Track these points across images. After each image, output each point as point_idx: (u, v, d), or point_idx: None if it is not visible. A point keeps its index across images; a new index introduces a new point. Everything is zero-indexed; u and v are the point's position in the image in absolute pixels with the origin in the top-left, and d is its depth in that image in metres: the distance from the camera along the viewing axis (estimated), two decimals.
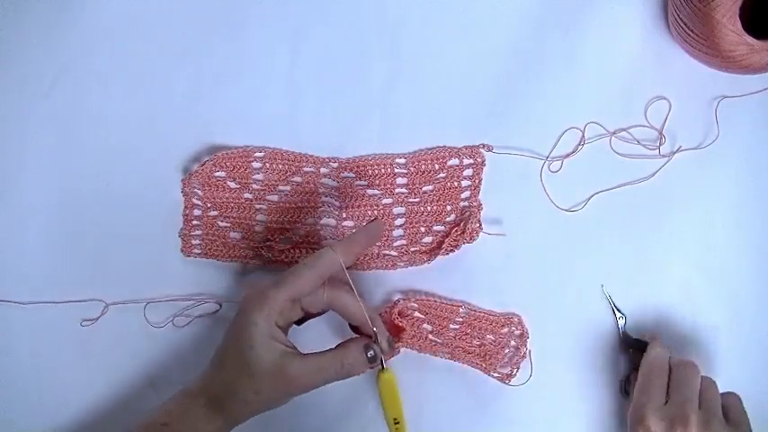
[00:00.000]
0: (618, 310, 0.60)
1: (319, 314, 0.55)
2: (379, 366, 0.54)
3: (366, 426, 0.61)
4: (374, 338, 0.54)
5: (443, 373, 0.60)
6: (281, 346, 0.51)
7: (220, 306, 0.61)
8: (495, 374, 0.60)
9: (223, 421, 0.52)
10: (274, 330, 0.51)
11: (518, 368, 0.60)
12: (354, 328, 0.56)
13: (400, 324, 0.59)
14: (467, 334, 0.60)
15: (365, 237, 0.55)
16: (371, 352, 0.53)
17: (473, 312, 0.61)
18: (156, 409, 0.53)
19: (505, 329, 0.60)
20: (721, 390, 0.55)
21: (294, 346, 0.53)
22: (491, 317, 0.60)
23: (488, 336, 0.60)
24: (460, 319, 0.61)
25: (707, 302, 0.61)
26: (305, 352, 0.53)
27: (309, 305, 0.54)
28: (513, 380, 0.60)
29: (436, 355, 0.61)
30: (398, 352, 0.59)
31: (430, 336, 0.60)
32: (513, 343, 0.60)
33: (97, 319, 0.61)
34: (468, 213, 0.61)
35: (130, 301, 0.61)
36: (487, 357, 0.60)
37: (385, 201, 0.62)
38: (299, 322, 0.56)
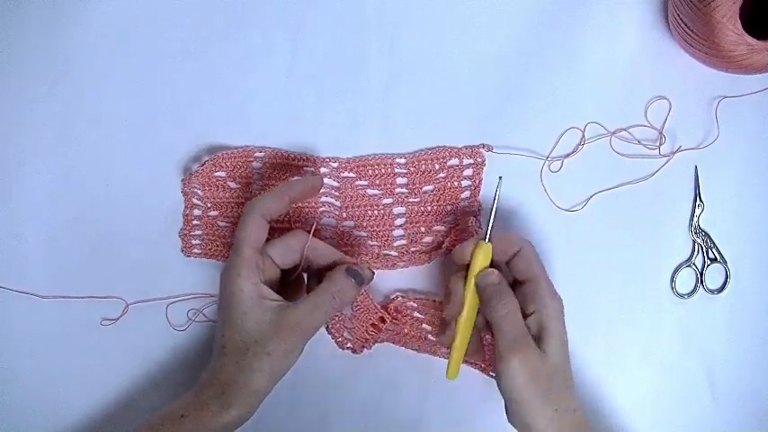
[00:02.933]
0: None
1: (296, 272, 0.56)
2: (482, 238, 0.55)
3: (366, 425, 0.61)
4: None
5: (443, 372, 0.60)
6: (272, 303, 0.52)
7: None
8: (494, 374, 0.60)
9: (245, 402, 0.51)
10: (260, 288, 0.52)
11: None
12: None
13: (397, 323, 0.59)
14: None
15: (299, 187, 0.56)
16: (353, 272, 0.54)
17: None
18: (174, 402, 0.52)
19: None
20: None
21: (283, 299, 0.53)
22: None
23: (488, 336, 0.60)
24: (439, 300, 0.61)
25: (707, 301, 0.61)
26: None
27: (281, 260, 0.54)
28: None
29: (436, 355, 0.61)
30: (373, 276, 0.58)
31: (429, 336, 0.60)
32: None
33: (118, 318, 0.61)
34: (468, 213, 0.61)
35: (150, 299, 0.61)
36: (487, 358, 0.60)
37: (385, 201, 0.62)
38: (291, 291, 0.57)
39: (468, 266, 0.55)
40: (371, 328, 0.59)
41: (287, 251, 0.55)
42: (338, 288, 0.54)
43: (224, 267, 0.53)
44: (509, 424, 0.53)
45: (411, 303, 0.60)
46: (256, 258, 0.53)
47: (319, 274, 0.56)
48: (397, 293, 0.61)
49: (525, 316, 0.52)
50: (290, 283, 0.57)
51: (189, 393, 0.52)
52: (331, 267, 0.56)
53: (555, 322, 0.52)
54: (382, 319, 0.59)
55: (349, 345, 0.59)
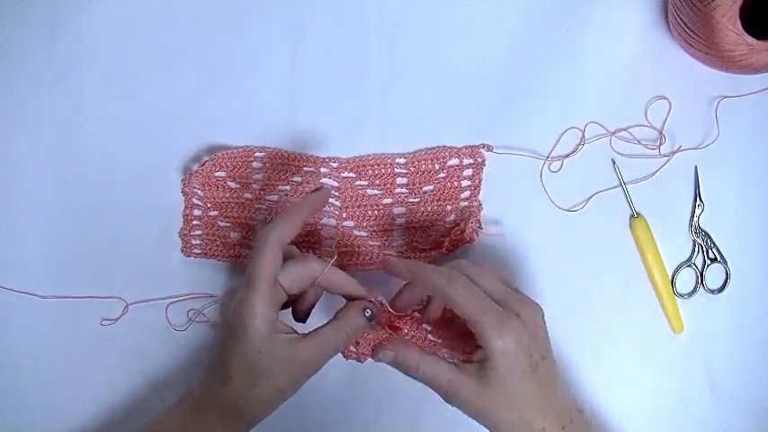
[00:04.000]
0: None
1: (300, 299, 0.55)
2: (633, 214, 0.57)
3: (367, 425, 0.61)
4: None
5: (400, 379, 0.60)
6: (285, 337, 0.51)
7: None
8: None
9: (243, 425, 0.51)
10: (274, 325, 0.51)
11: None
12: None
13: (397, 325, 0.59)
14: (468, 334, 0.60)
15: (308, 208, 0.54)
16: (368, 311, 0.53)
17: None
18: (163, 420, 0.52)
19: None
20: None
21: (293, 329, 0.52)
22: None
23: None
24: (460, 319, 0.60)
25: (707, 301, 0.61)
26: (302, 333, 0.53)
27: (289, 286, 0.52)
28: None
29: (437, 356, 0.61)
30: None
31: (429, 336, 0.60)
32: None
33: (118, 318, 0.61)
34: (468, 213, 0.61)
35: (150, 299, 0.61)
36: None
37: (385, 201, 0.62)
38: (300, 316, 0.55)
39: None
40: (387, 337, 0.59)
41: (297, 281, 0.53)
42: (352, 327, 0.52)
43: (238, 300, 0.51)
44: None
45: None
46: (272, 293, 0.51)
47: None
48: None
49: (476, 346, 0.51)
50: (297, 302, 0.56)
51: (180, 413, 0.52)
52: (343, 295, 0.55)
53: (496, 358, 0.48)
54: (396, 327, 0.59)
55: (354, 355, 0.58)
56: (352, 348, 0.58)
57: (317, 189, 0.56)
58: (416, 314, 0.60)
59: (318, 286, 0.54)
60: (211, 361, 0.53)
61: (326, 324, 0.53)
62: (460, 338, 0.60)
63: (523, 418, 0.49)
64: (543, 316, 0.52)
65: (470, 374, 0.50)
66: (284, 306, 0.54)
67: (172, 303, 0.61)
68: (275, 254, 0.51)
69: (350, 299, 0.55)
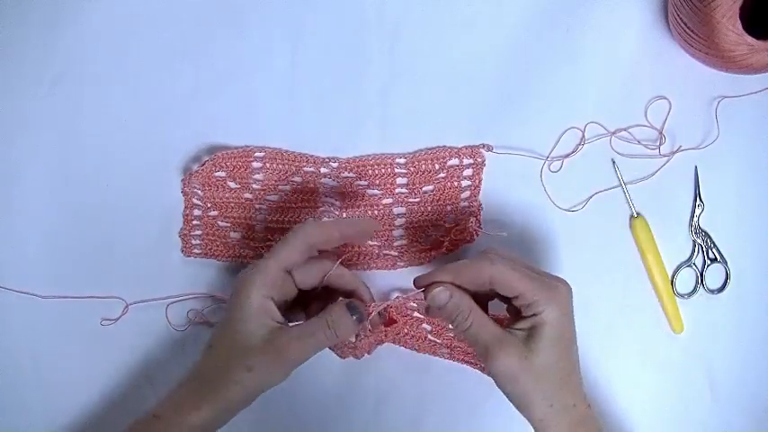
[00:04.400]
0: None
1: (311, 294, 0.55)
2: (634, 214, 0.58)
3: (366, 425, 0.61)
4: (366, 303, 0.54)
5: (443, 372, 0.60)
6: (272, 322, 0.51)
7: None
8: None
9: (217, 407, 0.50)
10: (267, 304, 0.51)
11: None
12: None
13: (394, 317, 0.59)
14: (433, 310, 0.60)
15: (353, 228, 0.54)
16: (356, 311, 0.52)
17: None
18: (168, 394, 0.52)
19: None
20: None
21: (286, 323, 0.52)
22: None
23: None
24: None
25: (707, 301, 0.61)
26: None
27: (301, 280, 0.53)
28: None
29: (436, 355, 0.61)
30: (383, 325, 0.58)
31: (429, 336, 0.60)
32: None
33: (118, 318, 0.61)
34: (467, 213, 0.61)
35: (150, 299, 0.61)
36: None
37: (385, 201, 0.62)
38: (304, 308, 0.55)
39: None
40: (382, 334, 0.59)
41: (309, 274, 0.53)
42: (333, 319, 0.51)
43: (245, 270, 0.52)
44: (509, 422, 0.53)
45: (411, 303, 0.60)
46: (279, 276, 0.51)
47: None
48: (398, 294, 0.61)
49: (521, 318, 0.50)
50: (308, 305, 0.56)
51: (165, 394, 0.52)
52: (352, 295, 0.55)
53: (548, 325, 0.49)
54: (391, 321, 0.59)
55: (350, 353, 0.58)
56: (350, 346, 0.58)
57: (369, 219, 0.56)
58: (417, 314, 0.60)
59: (329, 284, 0.54)
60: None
61: (311, 319, 0.52)
62: (460, 340, 0.60)
63: (558, 390, 0.49)
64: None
65: (517, 339, 0.49)
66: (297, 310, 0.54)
67: (172, 303, 0.61)
68: (296, 247, 0.52)
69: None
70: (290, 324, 0.52)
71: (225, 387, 0.50)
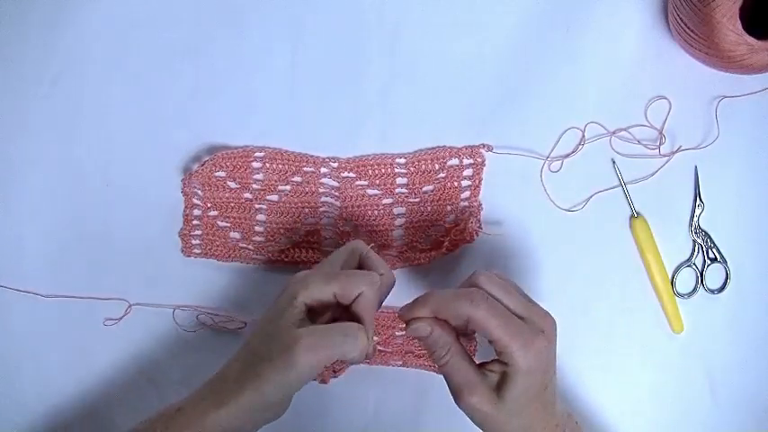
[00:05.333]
0: None
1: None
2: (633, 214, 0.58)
3: (367, 425, 0.61)
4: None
5: (399, 381, 0.61)
6: (304, 320, 0.50)
7: (245, 324, 0.61)
8: None
9: (234, 409, 0.48)
10: (304, 309, 0.50)
11: None
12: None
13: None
14: (414, 338, 0.60)
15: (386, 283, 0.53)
16: (374, 339, 0.52)
17: None
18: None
19: None
20: None
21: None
22: None
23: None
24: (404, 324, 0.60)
25: (707, 301, 0.61)
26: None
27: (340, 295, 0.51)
28: None
29: (388, 365, 0.61)
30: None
31: (379, 347, 0.60)
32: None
33: (120, 318, 0.61)
34: (468, 213, 0.61)
35: (155, 304, 0.61)
36: None
37: (385, 201, 0.62)
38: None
39: None
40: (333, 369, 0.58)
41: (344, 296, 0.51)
42: (354, 334, 0.49)
43: (301, 275, 0.51)
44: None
45: (387, 319, 0.60)
46: (324, 294, 0.50)
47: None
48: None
49: (496, 358, 0.49)
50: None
51: (198, 386, 0.51)
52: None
53: (518, 374, 0.48)
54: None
55: (319, 378, 0.57)
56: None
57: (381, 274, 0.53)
58: (398, 333, 0.60)
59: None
60: (249, 334, 0.52)
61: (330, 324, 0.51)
62: None
63: (525, 426, 0.49)
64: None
65: (490, 382, 0.49)
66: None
67: (178, 308, 0.61)
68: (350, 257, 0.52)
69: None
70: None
71: (251, 383, 0.48)
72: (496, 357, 0.49)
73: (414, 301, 0.50)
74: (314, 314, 0.51)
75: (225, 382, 0.50)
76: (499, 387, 0.49)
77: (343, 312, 0.51)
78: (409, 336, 0.51)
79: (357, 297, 0.50)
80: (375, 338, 0.53)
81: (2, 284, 0.61)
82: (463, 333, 0.52)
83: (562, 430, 0.51)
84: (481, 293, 0.49)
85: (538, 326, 0.49)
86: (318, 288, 0.50)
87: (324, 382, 0.59)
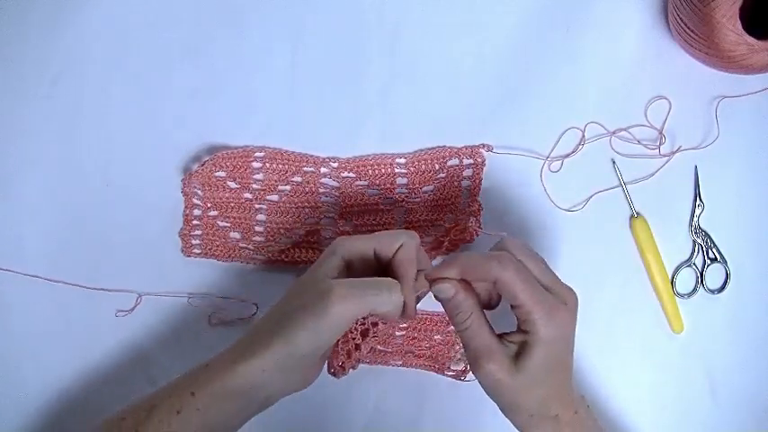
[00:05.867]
0: None
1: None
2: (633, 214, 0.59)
3: (367, 425, 0.61)
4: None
5: (399, 381, 0.61)
6: (340, 273, 0.50)
7: (257, 308, 0.61)
8: (449, 373, 0.60)
9: (269, 352, 0.48)
10: (342, 264, 0.50)
11: None
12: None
13: (358, 343, 0.57)
14: (414, 338, 0.60)
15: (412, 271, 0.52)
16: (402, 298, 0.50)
17: (416, 315, 0.60)
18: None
19: (451, 327, 0.60)
20: None
21: None
22: (435, 317, 0.60)
23: (436, 336, 0.61)
24: (405, 325, 0.60)
25: (707, 301, 0.61)
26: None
27: (379, 249, 0.52)
28: (467, 375, 0.60)
29: (388, 365, 0.61)
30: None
31: (379, 346, 0.60)
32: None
33: (132, 309, 0.61)
34: (467, 213, 0.61)
35: (165, 293, 0.61)
36: (439, 358, 0.60)
37: (385, 201, 0.62)
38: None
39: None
40: (348, 355, 0.57)
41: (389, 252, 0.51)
42: (391, 287, 0.49)
43: (343, 239, 0.52)
44: (509, 425, 0.53)
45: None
46: (363, 257, 0.51)
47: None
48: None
49: (517, 327, 0.49)
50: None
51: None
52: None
53: (540, 344, 0.48)
54: (357, 347, 0.56)
55: (331, 369, 0.57)
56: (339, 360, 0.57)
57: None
58: (398, 333, 0.60)
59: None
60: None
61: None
62: (432, 355, 0.60)
63: (541, 403, 0.49)
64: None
65: (507, 351, 0.49)
66: None
67: (190, 298, 0.61)
68: (393, 245, 0.51)
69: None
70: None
71: (286, 330, 0.48)
72: (516, 330, 0.49)
73: (441, 263, 0.50)
74: (353, 273, 0.51)
75: (256, 334, 0.50)
76: (518, 356, 0.48)
77: (382, 274, 0.51)
78: (437, 296, 0.50)
79: (397, 250, 0.50)
80: (419, 291, 0.51)
81: (2, 281, 0.61)
82: (486, 306, 0.51)
83: (575, 411, 0.50)
84: (509, 257, 0.49)
85: (562, 297, 0.49)
86: (359, 242, 0.51)
87: (335, 374, 0.57)
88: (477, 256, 0.49)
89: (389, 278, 0.50)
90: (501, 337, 0.49)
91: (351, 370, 0.57)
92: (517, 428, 0.50)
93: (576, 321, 0.50)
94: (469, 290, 0.50)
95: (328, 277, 0.49)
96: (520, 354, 0.48)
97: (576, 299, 0.50)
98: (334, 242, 0.52)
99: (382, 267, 0.51)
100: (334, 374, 0.57)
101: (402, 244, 0.51)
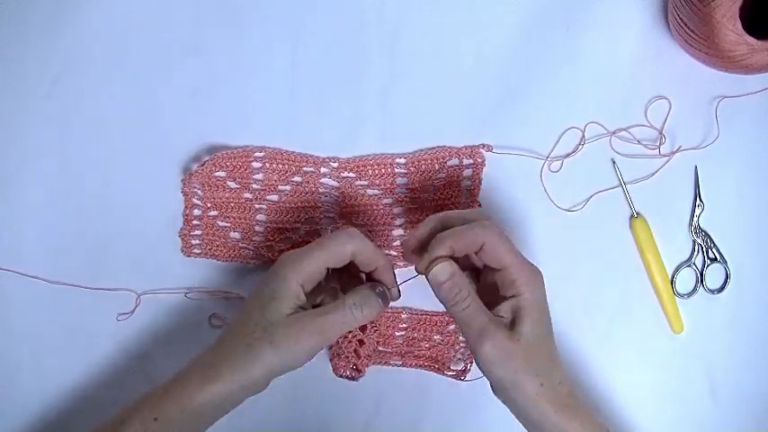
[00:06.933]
0: None
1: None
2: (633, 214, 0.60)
3: (367, 425, 0.61)
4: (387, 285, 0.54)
5: (399, 381, 0.61)
6: (299, 302, 0.51)
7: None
8: (450, 373, 0.60)
9: (233, 382, 0.49)
10: (299, 290, 0.51)
11: (471, 362, 0.60)
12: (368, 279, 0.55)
13: (363, 339, 0.58)
14: (414, 338, 0.61)
15: (386, 264, 0.54)
16: (379, 289, 0.52)
17: (416, 315, 0.61)
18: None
19: (451, 327, 0.60)
20: None
21: (310, 307, 0.52)
22: (434, 317, 0.60)
23: (435, 336, 0.61)
24: (405, 325, 0.61)
25: (707, 301, 0.61)
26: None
27: (333, 263, 0.53)
28: (468, 375, 0.60)
29: (388, 365, 0.61)
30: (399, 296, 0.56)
31: (379, 347, 0.60)
32: (461, 339, 0.60)
33: (133, 311, 0.61)
34: None
35: (163, 290, 0.61)
36: (439, 358, 0.60)
37: (385, 201, 0.62)
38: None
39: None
40: (357, 354, 0.58)
41: (340, 260, 0.52)
42: (358, 298, 0.51)
43: (289, 254, 0.52)
44: (508, 424, 0.53)
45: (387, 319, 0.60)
46: (318, 271, 0.51)
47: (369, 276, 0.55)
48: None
49: (501, 298, 0.51)
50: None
51: (186, 364, 0.52)
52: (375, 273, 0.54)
53: (530, 307, 0.50)
54: (361, 342, 0.57)
55: (345, 372, 0.58)
56: (350, 363, 0.57)
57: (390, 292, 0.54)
58: (398, 333, 0.60)
59: (354, 259, 0.53)
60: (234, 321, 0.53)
61: (336, 301, 0.52)
62: (432, 356, 0.60)
63: (546, 371, 0.50)
64: None
65: (502, 323, 0.50)
66: None
67: (179, 298, 0.61)
68: (342, 253, 0.52)
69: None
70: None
71: (243, 360, 0.49)
72: (501, 301, 0.50)
73: (431, 246, 0.50)
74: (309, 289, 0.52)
75: (220, 357, 0.50)
76: (512, 326, 0.50)
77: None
78: (435, 280, 0.50)
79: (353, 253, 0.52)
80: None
81: (2, 281, 0.61)
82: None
83: (568, 390, 0.51)
84: (491, 222, 0.51)
85: (533, 264, 0.51)
86: (309, 266, 0.51)
87: (353, 378, 0.58)
88: (460, 228, 0.50)
89: (342, 304, 0.51)
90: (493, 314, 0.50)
91: (365, 368, 0.57)
92: (525, 405, 0.50)
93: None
94: (461, 271, 0.51)
95: (285, 309, 0.50)
96: (514, 321, 0.50)
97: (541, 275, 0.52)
98: (281, 262, 0.52)
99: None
100: (351, 378, 0.57)
101: (352, 251, 0.52)
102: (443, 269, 0.50)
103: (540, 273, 0.51)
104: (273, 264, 0.52)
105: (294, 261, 0.51)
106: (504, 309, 0.50)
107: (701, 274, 0.61)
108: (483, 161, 0.61)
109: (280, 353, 0.49)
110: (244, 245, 0.62)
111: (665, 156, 0.61)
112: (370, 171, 0.62)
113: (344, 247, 0.52)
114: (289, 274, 0.51)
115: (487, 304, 0.50)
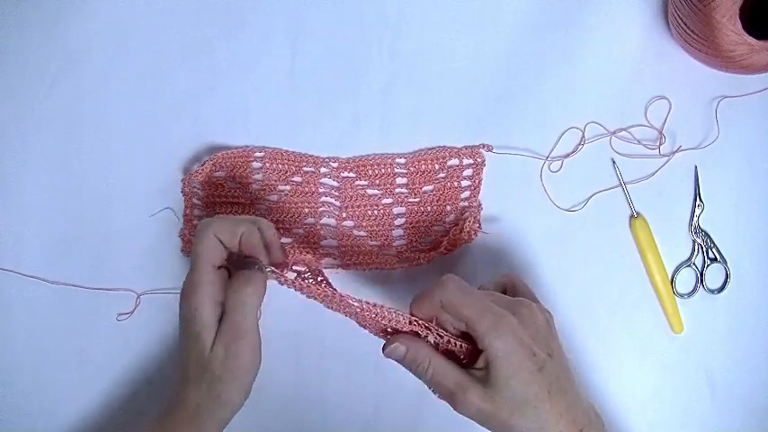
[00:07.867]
0: None
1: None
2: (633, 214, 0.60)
3: (366, 425, 0.61)
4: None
5: (399, 381, 0.60)
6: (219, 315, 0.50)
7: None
8: None
9: (211, 425, 0.50)
10: (212, 314, 0.50)
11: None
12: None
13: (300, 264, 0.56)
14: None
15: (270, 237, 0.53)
16: (256, 266, 0.51)
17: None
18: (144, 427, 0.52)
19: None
20: None
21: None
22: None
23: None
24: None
25: (707, 301, 0.61)
26: None
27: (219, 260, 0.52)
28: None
29: (349, 316, 0.55)
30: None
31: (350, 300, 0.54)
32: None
33: (133, 311, 0.61)
34: (467, 213, 0.61)
35: (163, 290, 0.61)
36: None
37: (385, 201, 0.62)
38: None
39: None
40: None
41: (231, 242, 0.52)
42: (240, 282, 0.50)
43: (183, 286, 0.51)
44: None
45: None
46: (214, 275, 0.51)
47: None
48: (395, 295, 0.61)
49: (479, 352, 0.48)
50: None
51: (152, 422, 0.51)
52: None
53: (501, 357, 0.46)
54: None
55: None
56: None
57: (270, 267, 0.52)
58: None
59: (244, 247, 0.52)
60: (179, 360, 0.52)
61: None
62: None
63: (537, 422, 0.47)
64: (546, 314, 0.50)
65: (477, 379, 0.48)
66: None
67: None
68: (214, 246, 0.51)
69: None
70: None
71: (212, 404, 0.49)
72: (477, 355, 0.49)
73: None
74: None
75: (193, 412, 0.50)
76: (486, 378, 0.47)
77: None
78: (392, 358, 0.50)
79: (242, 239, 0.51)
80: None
81: (2, 282, 0.61)
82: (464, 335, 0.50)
83: (579, 429, 0.48)
84: (450, 277, 0.49)
85: (510, 309, 0.48)
86: (200, 278, 0.50)
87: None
88: (419, 292, 0.50)
89: (230, 288, 0.50)
90: (466, 369, 0.49)
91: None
92: None
93: (531, 333, 0.48)
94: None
95: (209, 328, 0.50)
96: (487, 376, 0.47)
97: (533, 310, 0.49)
98: (183, 298, 0.51)
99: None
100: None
101: (222, 238, 0.51)
102: (394, 351, 0.49)
103: (506, 316, 0.47)
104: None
105: (190, 291, 0.50)
106: (479, 362, 0.48)
107: (701, 274, 0.61)
108: (483, 161, 0.61)
109: (230, 378, 0.49)
110: None
111: (664, 156, 0.61)
112: (370, 171, 0.62)
113: (211, 239, 0.50)
114: (197, 306, 0.50)
115: (479, 355, 0.49)
